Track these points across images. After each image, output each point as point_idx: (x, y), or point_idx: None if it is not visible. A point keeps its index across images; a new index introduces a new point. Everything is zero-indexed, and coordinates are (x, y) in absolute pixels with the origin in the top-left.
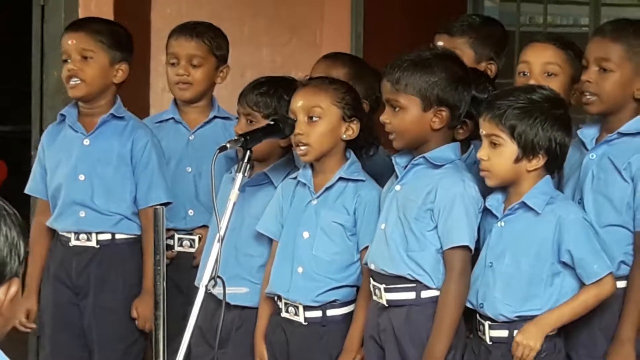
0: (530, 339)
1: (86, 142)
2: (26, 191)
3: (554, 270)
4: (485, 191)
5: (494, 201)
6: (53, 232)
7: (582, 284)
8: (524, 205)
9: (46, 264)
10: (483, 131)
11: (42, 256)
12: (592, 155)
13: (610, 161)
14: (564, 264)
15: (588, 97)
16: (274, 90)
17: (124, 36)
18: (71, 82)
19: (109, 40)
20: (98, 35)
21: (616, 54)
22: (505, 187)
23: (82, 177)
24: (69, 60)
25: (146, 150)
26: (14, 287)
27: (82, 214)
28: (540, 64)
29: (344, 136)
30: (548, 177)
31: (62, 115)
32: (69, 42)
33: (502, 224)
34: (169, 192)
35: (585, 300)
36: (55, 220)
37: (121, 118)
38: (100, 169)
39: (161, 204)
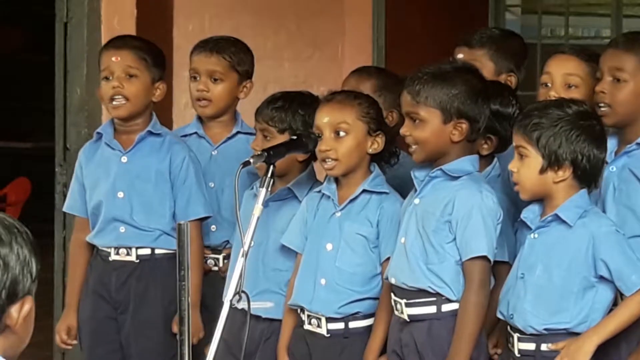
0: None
1: (124, 159)
2: (64, 209)
3: (585, 285)
4: (504, 204)
5: (530, 213)
6: (92, 249)
7: (614, 298)
8: (557, 217)
9: (85, 279)
10: (514, 143)
11: (82, 273)
12: (612, 168)
13: (631, 172)
14: (600, 277)
15: (602, 108)
16: (288, 105)
17: (161, 55)
18: (115, 102)
19: (151, 59)
20: (142, 53)
21: (630, 64)
22: (541, 200)
23: (121, 195)
24: (110, 78)
25: (184, 165)
26: (28, 304)
27: (122, 229)
28: (561, 75)
29: (370, 150)
30: (584, 190)
31: (98, 133)
32: (113, 59)
33: (535, 235)
34: (207, 206)
35: (630, 310)
36: (96, 237)
37: (158, 135)
38: (139, 186)
39: (200, 219)
